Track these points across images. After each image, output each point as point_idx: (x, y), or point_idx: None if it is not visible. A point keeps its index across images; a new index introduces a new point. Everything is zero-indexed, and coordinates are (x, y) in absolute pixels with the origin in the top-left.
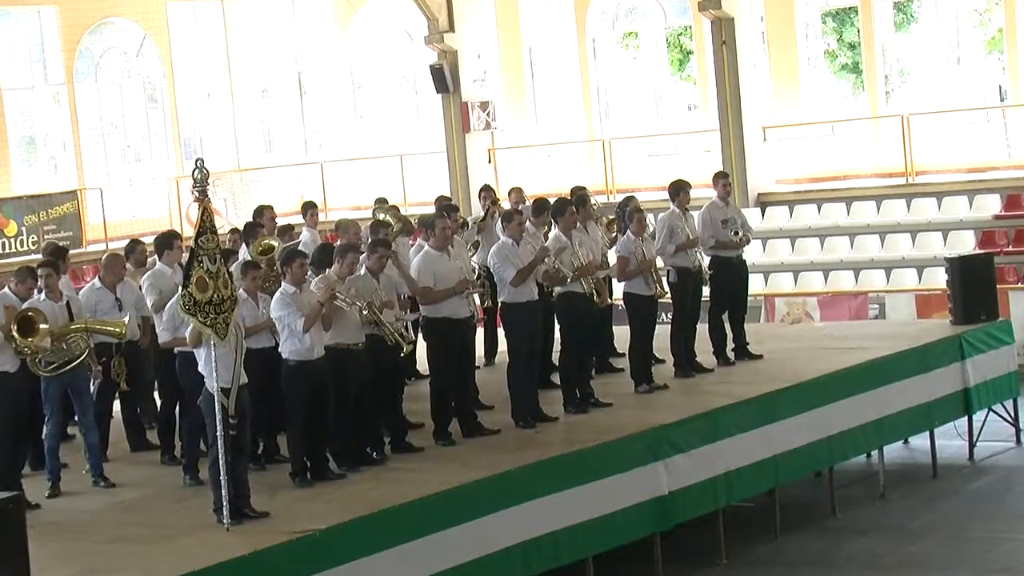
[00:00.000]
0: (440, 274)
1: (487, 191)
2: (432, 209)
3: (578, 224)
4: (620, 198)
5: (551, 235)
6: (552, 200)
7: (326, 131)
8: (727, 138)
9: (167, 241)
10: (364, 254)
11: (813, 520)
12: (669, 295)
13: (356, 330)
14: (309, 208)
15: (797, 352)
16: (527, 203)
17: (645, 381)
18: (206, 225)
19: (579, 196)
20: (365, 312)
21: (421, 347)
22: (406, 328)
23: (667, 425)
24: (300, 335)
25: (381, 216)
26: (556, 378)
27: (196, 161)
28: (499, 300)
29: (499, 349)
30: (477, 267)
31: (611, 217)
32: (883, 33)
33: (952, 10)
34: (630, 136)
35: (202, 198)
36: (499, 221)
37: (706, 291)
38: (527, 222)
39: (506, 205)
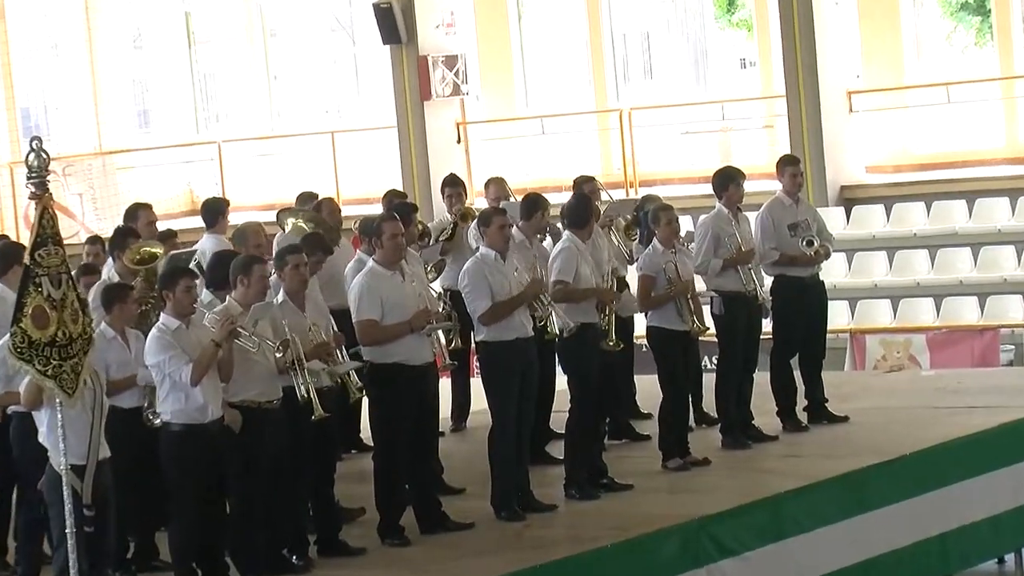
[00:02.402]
0: (391, 302)
1: (455, 184)
2: (378, 209)
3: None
4: (643, 194)
5: (559, 247)
6: (543, 194)
7: (225, 98)
8: (797, 108)
9: (11, 254)
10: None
11: None
12: (713, 331)
13: (268, 381)
14: (213, 207)
15: (897, 412)
16: (512, 199)
17: (678, 453)
18: (46, 232)
19: (577, 195)
20: (280, 354)
21: (363, 410)
22: (342, 379)
23: (711, 517)
24: (187, 389)
25: (293, 221)
26: (555, 449)
27: (31, 141)
28: (473, 338)
29: (473, 408)
30: (442, 292)
31: (629, 219)
32: None
33: None
34: (657, 105)
35: (40, 193)
36: (472, 226)
37: (767, 325)
38: (514, 227)
39: (482, 204)
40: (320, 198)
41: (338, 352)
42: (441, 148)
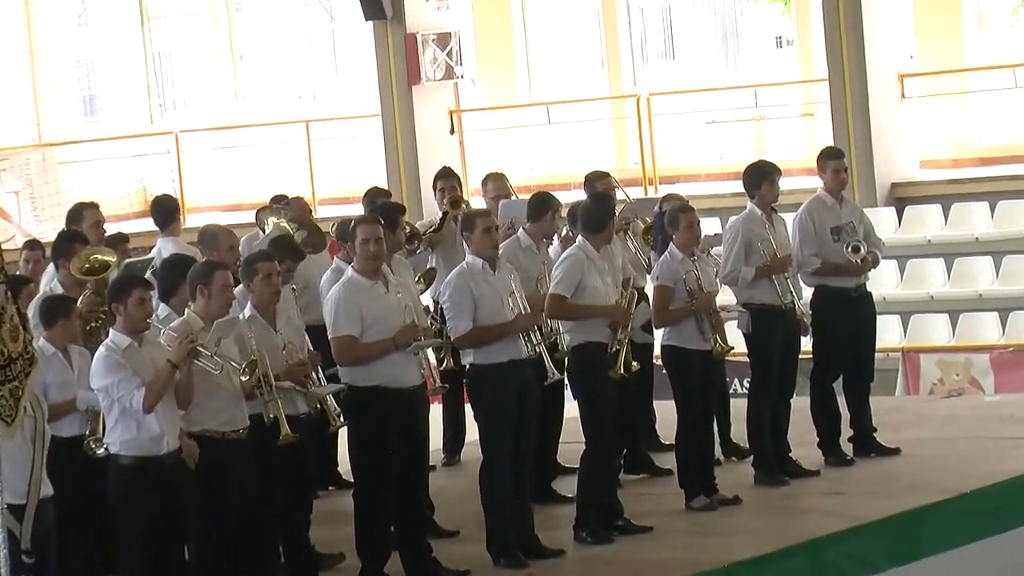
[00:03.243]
0: (372, 316)
1: (448, 177)
2: (359, 210)
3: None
4: (664, 193)
5: (565, 253)
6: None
7: (184, 82)
8: (841, 94)
9: None
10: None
11: None
12: (744, 350)
13: (233, 408)
14: (167, 205)
15: (956, 444)
16: (514, 198)
17: (704, 491)
18: None
19: (594, 195)
20: (246, 378)
21: (341, 437)
22: (321, 404)
23: (740, 564)
24: (139, 416)
25: (275, 221)
26: (563, 485)
27: None
28: (462, 360)
29: (468, 438)
30: (433, 305)
31: (649, 222)
32: None
33: None
34: (680, 90)
35: None
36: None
37: (806, 343)
38: (518, 229)
39: (479, 203)
40: (289, 198)
41: (315, 374)
42: (432, 140)
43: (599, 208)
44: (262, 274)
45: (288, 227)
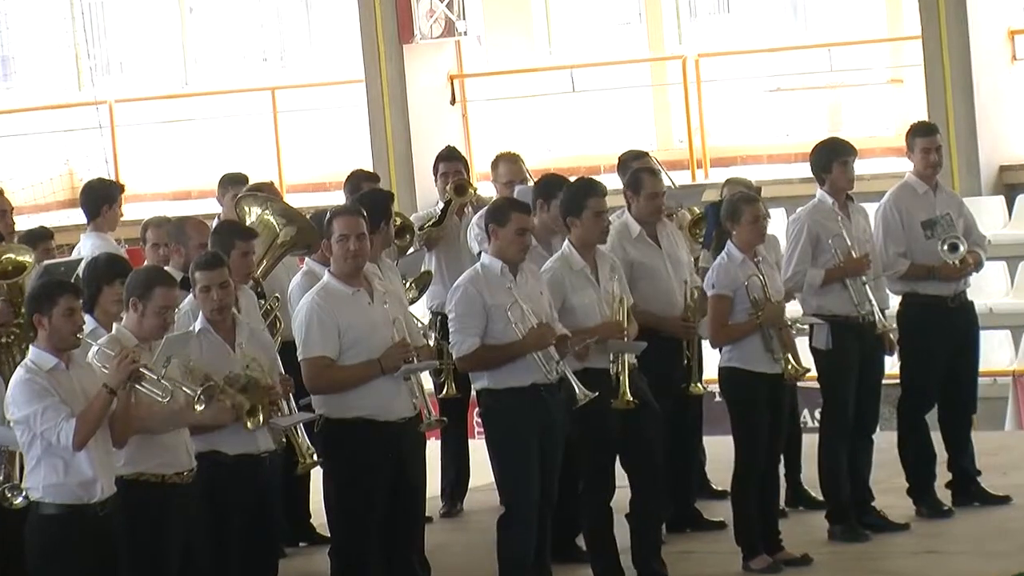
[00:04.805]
0: (353, 332)
1: (452, 159)
2: (339, 199)
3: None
4: (714, 177)
5: (543, 268)
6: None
7: (120, 42)
8: (936, 56)
9: None
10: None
11: None
12: (815, 372)
13: (176, 445)
14: (99, 192)
15: None
16: (530, 183)
17: (765, 548)
18: None
19: (633, 174)
20: (202, 407)
21: (316, 481)
22: (288, 437)
23: None
24: (67, 455)
25: (259, 212)
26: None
27: None
28: (473, 385)
29: (473, 483)
30: (429, 317)
31: (698, 213)
32: None
33: None
34: (736, 51)
35: None
36: (474, 220)
37: (891, 365)
38: (539, 216)
39: (487, 191)
40: (250, 184)
41: (287, 404)
42: (429, 112)
43: (576, 193)
44: (200, 285)
45: (274, 222)
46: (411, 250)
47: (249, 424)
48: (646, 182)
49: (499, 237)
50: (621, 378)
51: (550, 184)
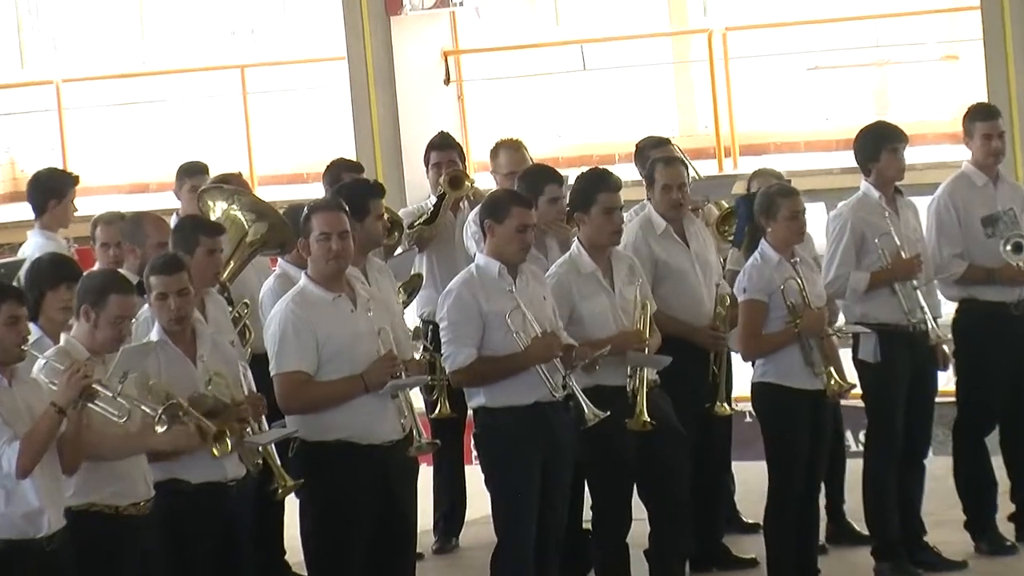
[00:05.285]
0: (333, 343)
1: (445, 147)
2: (317, 191)
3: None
4: (745, 167)
5: (548, 274)
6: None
7: (69, 14)
8: (998, 28)
9: None
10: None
11: None
12: (860, 389)
13: (133, 472)
14: (47, 184)
15: None
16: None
17: None
18: None
19: (649, 164)
20: (163, 427)
21: (291, 512)
22: (266, 458)
23: None
24: (10, 483)
25: (225, 207)
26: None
27: None
28: (468, 403)
29: (470, 515)
30: (419, 325)
31: (727, 208)
32: None
33: None
34: (768, 24)
35: None
36: (470, 217)
37: (946, 380)
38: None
39: (486, 183)
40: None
41: (257, 424)
42: (419, 93)
43: (586, 187)
44: (155, 292)
45: (242, 218)
46: (399, 250)
47: (216, 451)
48: (659, 172)
49: (496, 235)
50: (638, 396)
51: (536, 175)
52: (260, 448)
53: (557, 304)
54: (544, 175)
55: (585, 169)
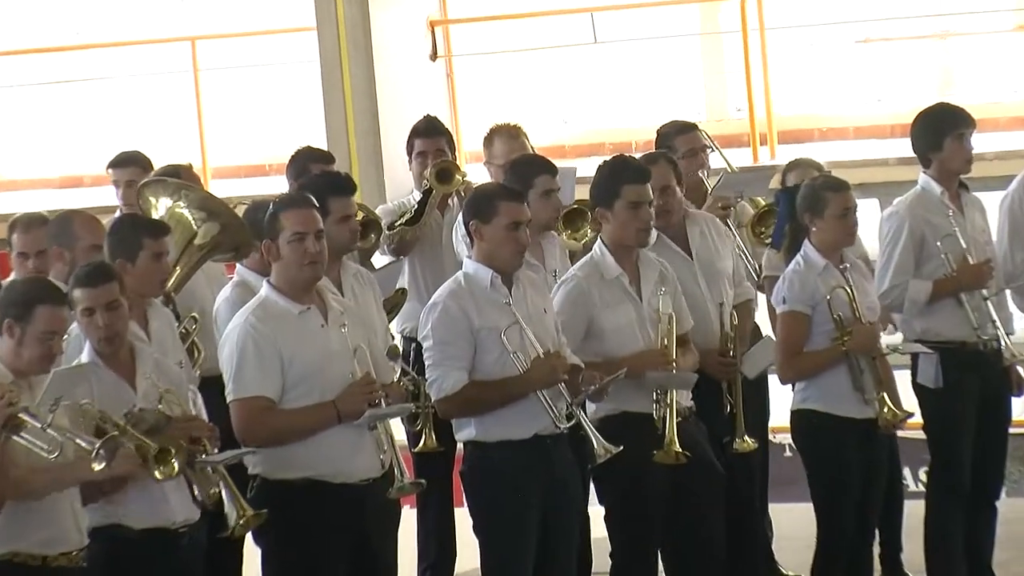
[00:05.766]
0: (300, 365)
1: (432, 134)
2: (281, 185)
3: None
4: (786, 156)
5: (561, 282)
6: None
7: None
8: None
9: None
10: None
11: None
12: (920, 418)
13: (64, 517)
14: None
15: None
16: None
17: None
18: None
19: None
20: (100, 465)
21: (251, 560)
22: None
23: None
24: None
25: (169, 206)
26: None
27: None
28: (457, 435)
29: (460, 566)
30: (399, 341)
31: (764, 205)
32: None
33: None
34: None
35: None
36: (461, 215)
37: (1022, 406)
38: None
39: (479, 176)
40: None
41: (206, 445)
42: (401, 71)
43: (608, 178)
44: (83, 306)
45: (189, 217)
46: (385, 259)
47: (159, 474)
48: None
49: (485, 237)
50: (668, 423)
51: (525, 165)
52: (212, 469)
53: (573, 315)
54: (535, 165)
55: (607, 158)
